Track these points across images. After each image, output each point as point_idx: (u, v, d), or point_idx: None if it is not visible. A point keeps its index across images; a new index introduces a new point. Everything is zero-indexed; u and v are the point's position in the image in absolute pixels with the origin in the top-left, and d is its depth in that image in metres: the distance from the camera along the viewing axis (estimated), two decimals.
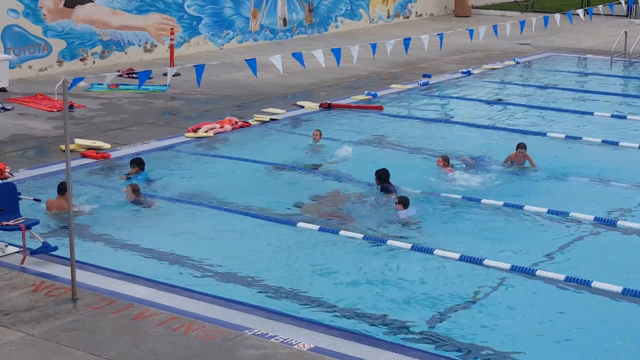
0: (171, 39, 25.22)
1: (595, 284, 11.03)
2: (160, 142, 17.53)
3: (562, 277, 11.25)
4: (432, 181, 15.28)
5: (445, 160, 15.91)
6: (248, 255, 12.17)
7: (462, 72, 25.31)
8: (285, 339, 9.44)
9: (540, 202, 14.15)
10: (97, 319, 9.89)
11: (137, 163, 15.19)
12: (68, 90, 10.55)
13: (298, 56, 15.46)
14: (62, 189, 13.22)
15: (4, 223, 11.69)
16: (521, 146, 16.29)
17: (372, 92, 22.17)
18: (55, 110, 19.52)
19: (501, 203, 14.14)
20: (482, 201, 14.25)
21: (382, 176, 14.46)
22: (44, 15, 23.40)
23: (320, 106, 20.72)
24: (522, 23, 24.52)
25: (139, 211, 13.74)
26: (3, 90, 21.06)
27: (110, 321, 9.85)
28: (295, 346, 9.31)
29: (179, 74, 22.21)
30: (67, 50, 24.08)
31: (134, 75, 23.04)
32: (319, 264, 11.91)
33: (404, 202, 13.55)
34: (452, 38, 26.67)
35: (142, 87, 21.22)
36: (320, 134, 17.27)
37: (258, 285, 11.16)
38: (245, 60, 14.47)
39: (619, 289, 10.90)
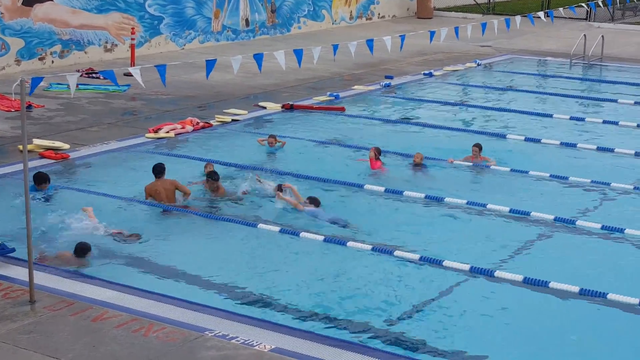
0: (132, 39, 25.05)
1: (553, 284, 11.13)
2: (121, 142, 17.41)
3: (520, 277, 11.34)
4: (396, 180, 15.37)
5: (377, 152, 15.98)
6: (209, 257, 12.14)
7: (424, 74, 25.43)
8: (246, 340, 9.42)
9: (500, 202, 14.25)
10: (56, 321, 9.79)
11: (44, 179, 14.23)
12: (29, 94, 10.45)
13: (257, 58, 15.45)
14: (158, 171, 14.01)
15: None
16: (475, 145, 16.47)
17: (335, 93, 22.20)
18: (13, 110, 19.29)
19: (464, 202, 14.24)
20: (445, 199, 14.34)
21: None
22: (2, 13, 23.13)
23: (282, 107, 20.70)
24: (484, 25, 24.69)
25: (97, 212, 13.64)
26: None
27: (68, 323, 9.76)
28: (256, 347, 9.29)
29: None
30: (26, 50, 23.83)
31: (94, 75, 22.87)
32: (279, 266, 11.90)
33: (314, 202, 13.66)
34: (414, 40, 26.79)
35: (103, 87, 21.12)
36: (275, 139, 17.15)
37: (219, 286, 11.12)
38: (206, 60, 14.42)
39: (576, 289, 11.01)
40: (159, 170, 14.15)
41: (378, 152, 16.04)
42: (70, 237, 12.40)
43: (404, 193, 14.70)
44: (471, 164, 16.41)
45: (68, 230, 12.61)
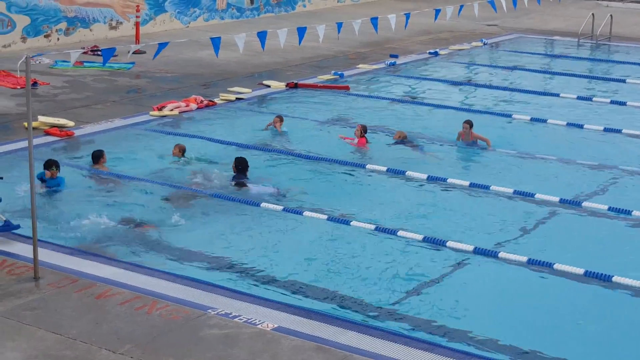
0: (137, 17, 24.97)
1: (558, 265, 11.11)
2: (125, 120, 17.39)
3: (524, 259, 11.32)
4: (402, 159, 15.35)
5: (363, 130, 16.08)
6: (212, 236, 12.13)
7: (430, 53, 25.31)
8: (248, 319, 9.43)
9: (505, 183, 14.22)
10: (60, 298, 9.81)
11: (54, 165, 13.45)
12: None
13: (261, 36, 15.39)
14: (96, 157, 14.36)
15: None
16: (466, 122, 16.36)
17: (339, 72, 22.11)
18: (18, 87, 19.29)
19: (467, 183, 14.20)
20: (448, 180, 14.32)
21: (239, 165, 14.04)
22: None
23: (286, 86, 20.64)
24: (492, 3, 24.60)
25: (101, 190, 13.65)
26: None
27: (72, 300, 9.78)
28: (259, 326, 9.30)
29: (144, 52, 22.02)
30: (31, 27, 23.77)
31: (99, 52, 22.81)
32: (283, 244, 11.90)
33: (239, 184, 13.72)
34: (419, 18, 26.65)
35: (107, 64, 21.07)
36: (281, 121, 17.04)
37: (222, 265, 11.13)
38: (211, 38, 14.37)
39: (581, 271, 10.98)
40: (94, 156, 14.41)
41: (364, 129, 16.10)
42: (75, 215, 12.44)
43: (406, 173, 14.67)
44: (461, 141, 16.39)
45: (74, 205, 12.64)
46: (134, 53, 21.40)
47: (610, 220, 13.01)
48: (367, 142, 16.16)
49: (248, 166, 14.02)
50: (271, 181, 14.15)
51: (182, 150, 15.11)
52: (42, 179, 13.24)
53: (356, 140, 16.15)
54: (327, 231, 12.33)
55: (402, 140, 16.37)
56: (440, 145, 16.47)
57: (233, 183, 13.84)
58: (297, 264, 11.26)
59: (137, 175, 14.25)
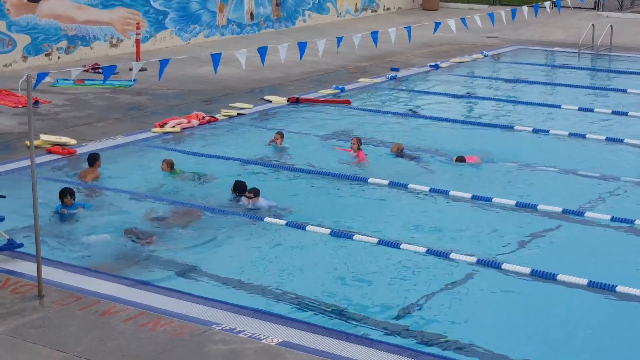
0: (137, 34, 25.05)
1: (561, 276, 11.09)
2: (127, 137, 17.41)
3: (527, 270, 11.30)
4: (403, 173, 15.36)
5: (359, 142, 16.16)
6: (215, 250, 12.14)
7: (430, 66, 25.35)
8: (253, 334, 9.42)
9: (507, 195, 14.22)
10: (64, 316, 9.81)
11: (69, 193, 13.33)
12: (33, 87, 10.46)
13: (261, 51, 15.42)
14: (92, 159, 14.77)
15: None
16: (457, 159, 16.07)
17: (340, 86, 22.14)
18: (20, 106, 19.34)
19: (469, 195, 14.19)
20: (450, 193, 14.31)
21: (237, 189, 13.96)
22: (8, 10, 23.15)
23: (288, 100, 20.67)
24: (491, 16, 24.66)
25: (102, 207, 13.65)
26: None
27: (77, 318, 9.78)
28: (264, 341, 9.29)
29: (145, 69, 22.07)
30: (32, 46, 23.85)
31: (100, 70, 22.86)
32: (286, 259, 11.89)
33: (254, 193, 13.65)
34: (420, 31, 26.70)
35: (108, 82, 21.14)
36: (282, 137, 17.05)
37: (226, 280, 11.12)
38: (211, 54, 14.40)
39: (584, 281, 10.97)
40: (90, 159, 14.87)
41: (359, 142, 16.18)
42: (78, 233, 12.44)
43: (408, 186, 14.66)
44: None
45: (77, 223, 12.64)
46: (141, 70, 21.41)
47: (612, 230, 12.98)
48: (364, 154, 16.17)
49: (246, 190, 13.98)
50: (273, 198, 14.14)
51: (170, 165, 15.12)
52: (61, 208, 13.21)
53: (355, 154, 16.14)
54: (330, 245, 12.33)
55: (400, 152, 16.37)
56: (441, 159, 16.44)
57: (249, 205, 13.67)
58: (300, 278, 11.25)
59: (140, 192, 14.26)
